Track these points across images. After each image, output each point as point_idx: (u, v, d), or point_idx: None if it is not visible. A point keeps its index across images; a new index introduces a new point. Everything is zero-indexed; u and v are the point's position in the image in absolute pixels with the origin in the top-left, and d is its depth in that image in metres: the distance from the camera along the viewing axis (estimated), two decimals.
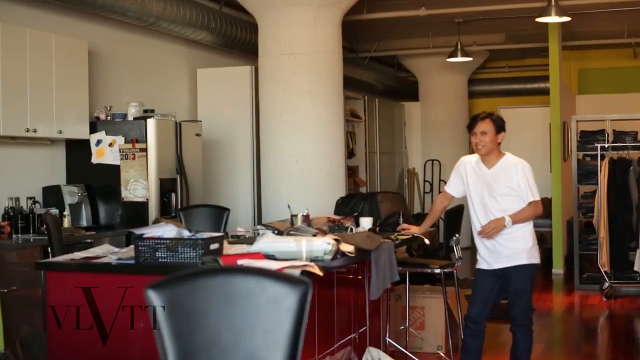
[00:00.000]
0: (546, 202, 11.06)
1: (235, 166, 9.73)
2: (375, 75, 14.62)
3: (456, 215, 6.52)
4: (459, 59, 12.56)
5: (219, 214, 7.35)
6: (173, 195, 7.80)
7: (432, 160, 15.16)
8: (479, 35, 13.47)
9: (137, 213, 7.54)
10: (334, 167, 8.71)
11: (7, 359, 4.60)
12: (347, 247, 4.89)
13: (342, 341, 5.28)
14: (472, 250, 6.58)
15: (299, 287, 2.96)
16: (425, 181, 15.39)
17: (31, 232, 6.86)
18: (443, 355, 6.71)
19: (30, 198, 7.15)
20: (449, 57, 12.72)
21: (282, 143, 8.57)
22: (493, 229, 5.45)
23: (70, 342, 4.57)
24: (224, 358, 2.90)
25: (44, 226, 6.55)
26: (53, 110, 7.11)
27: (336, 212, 6.89)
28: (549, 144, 12.28)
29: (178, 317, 2.89)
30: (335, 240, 4.79)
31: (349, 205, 6.93)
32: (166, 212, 7.60)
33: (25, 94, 6.78)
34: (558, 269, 11.66)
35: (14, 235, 6.70)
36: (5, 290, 5.91)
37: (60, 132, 7.24)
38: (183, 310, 2.91)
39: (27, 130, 6.82)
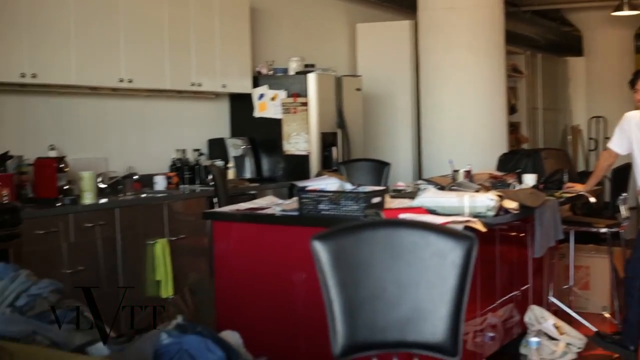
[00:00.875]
0: None
1: (395, 121, 9.70)
2: (537, 30, 14.20)
3: (624, 173, 6.30)
4: (625, 12, 12.04)
5: (379, 168, 7.38)
6: (334, 149, 7.86)
7: (597, 117, 14.67)
8: None
9: (298, 166, 7.65)
10: (495, 123, 8.56)
11: (176, 304, 4.79)
12: (510, 204, 4.80)
13: (504, 298, 5.21)
14: (639, 210, 6.35)
15: (464, 242, 2.93)
16: (589, 138, 14.92)
17: (197, 182, 7.08)
18: (608, 316, 6.53)
19: (196, 150, 7.37)
20: (614, 10, 12.20)
21: (442, 98, 8.48)
22: None
23: (236, 290, 4.69)
24: (388, 310, 2.91)
25: (210, 177, 6.74)
26: (217, 65, 7.28)
27: (498, 169, 6.78)
28: None
29: (343, 269, 2.91)
30: (499, 196, 4.72)
31: (512, 162, 6.81)
32: (327, 166, 7.67)
33: (190, 49, 6.97)
34: None
35: (181, 186, 6.93)
36: (174, 239, 6.14)
37: (224, 86, 7.41)
38: (348, 262, 2.93)
39: (192, 85, 7.02)
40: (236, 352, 3.00)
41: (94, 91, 6.44)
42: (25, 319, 3.03)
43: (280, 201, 5.12)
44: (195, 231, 6.37)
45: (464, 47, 8.37)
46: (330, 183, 4.68)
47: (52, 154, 5.91)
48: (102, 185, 6.20)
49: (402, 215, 4.34)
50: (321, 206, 4.48)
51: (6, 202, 5.27)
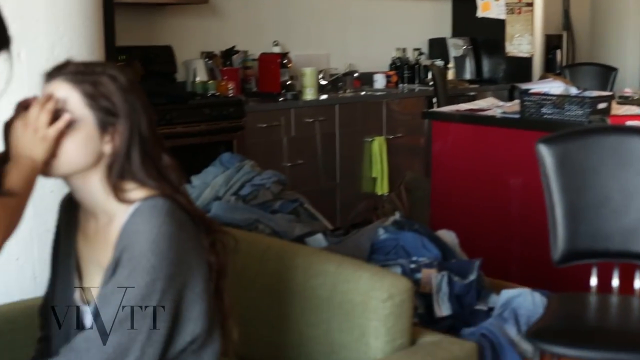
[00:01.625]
0: None
1: (626, 24, 9.16)
2: None
3: None
4: None
5: (606, 73, 7.06)
6: (558, 51, 7.58)
7: None
8: None
9: (520, 68, 7.43)
10: None
11: (392, 201, 4.83)
12: None
13: None
14: None
15: None
16: None
17: (416, 82, 7.04)
18: None
19: (417, 49, 7.30)
20: None
21: None
22: None
23: (452, 190, 4.67)
24: (613, 219, 2.81)
25: (429, 77, 6.68)
26: None
27: None
28: None
29: (568, 174, 2.82)
30: None
31: None
32: (550, 69, 7.42)
33: None
34: None
35: (400, 85, 6.92)
36: (391, 137, 6.17)
37: None
38: (573, 168, 2.84)
39: None
40: (452, 251, 3.00)
41: None
42: (249, 208, 3.15)
43: (501, 103, 5.01)
44: (412, 130, 6.37)
45: None
46: (554, 86, 4.51)
47: (276, 49, 6.03)
48: (323, 82, 6.28)
49: (630, 123, 4.14)
50: (544, 110, 4.33)
51: (231, 95, 5.46)
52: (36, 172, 1.69)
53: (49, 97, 1.72)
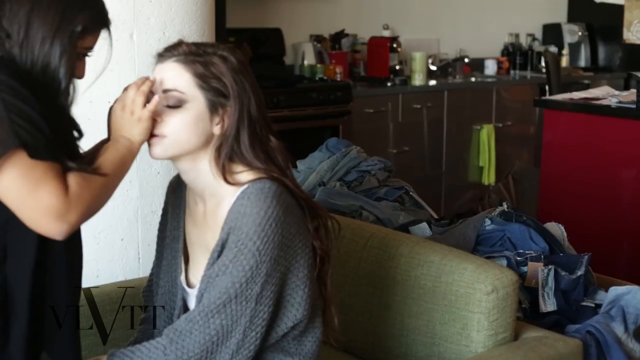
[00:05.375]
0: None
1: None
2: None
3: None
4: None
5: None
6: None
7: None
8: None
9: (638, 56, 7.17)
10: None
11: (499, 191, 4.74)
12: None
13: None
14: None
15: None
16: None
17: (528, 69, 6.89)
18: None
19: (530, 35, 7.15)
20: None
21: None
22: None
23: (562, 181, 4.56)
24: None
25: (542, 64, 6.54)
26: None
27: None
28: None
29: None
30: None
31: None
32: None
33: None
34: None
35: (511, 71, 6.79)
36: (500, 125, 6.06)
37: None
38: None
39: None
40: (559, 245, 2.92)
41: None
42: (354, 194, 3.13)
43: (617, 92, 4.86)
44: (523, 119, 6.25)
45: None
46: None
47: (386, 33, 5.98)
48: (433, 67, 6.21)
49: None
50: None
51: (339, 79, 5.44)
52: (133, 154, 1.71)
53: (144, 79, 1.74)
